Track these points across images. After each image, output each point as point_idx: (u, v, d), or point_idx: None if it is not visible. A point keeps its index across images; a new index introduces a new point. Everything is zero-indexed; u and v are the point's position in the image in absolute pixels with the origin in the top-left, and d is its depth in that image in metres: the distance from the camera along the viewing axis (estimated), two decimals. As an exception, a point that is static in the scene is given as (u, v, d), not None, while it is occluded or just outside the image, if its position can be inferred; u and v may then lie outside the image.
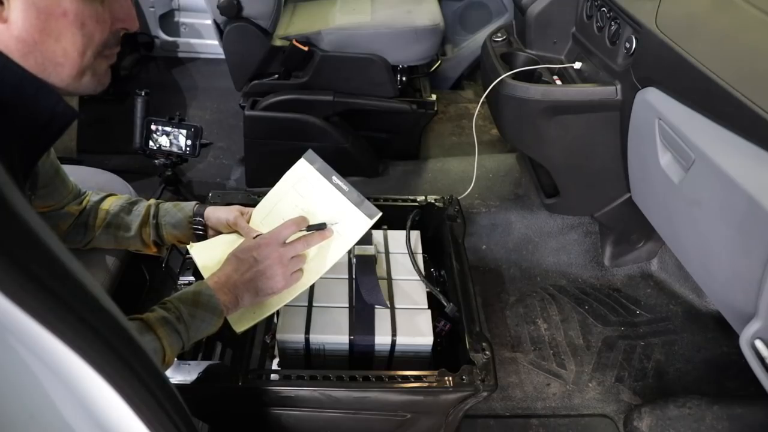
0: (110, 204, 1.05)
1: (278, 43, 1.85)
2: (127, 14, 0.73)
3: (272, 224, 0.97)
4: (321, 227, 0.95)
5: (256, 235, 0.95)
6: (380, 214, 0.96)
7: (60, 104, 0.69)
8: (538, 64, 1.53)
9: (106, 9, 0.70)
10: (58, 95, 0.69)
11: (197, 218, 1.05)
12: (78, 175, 1.21)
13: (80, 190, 1.05)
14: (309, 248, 0.93)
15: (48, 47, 0.65)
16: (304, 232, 0.94)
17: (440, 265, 1.18)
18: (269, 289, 0.89)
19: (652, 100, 1.13)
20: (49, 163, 0.95)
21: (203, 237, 1.05)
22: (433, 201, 1.22)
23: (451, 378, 0.87)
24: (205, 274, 0.94)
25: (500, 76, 1.41)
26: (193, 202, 1.08)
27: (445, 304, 1.03)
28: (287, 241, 0.92)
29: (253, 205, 1.21)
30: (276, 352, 1.04)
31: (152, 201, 1.07)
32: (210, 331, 0.83)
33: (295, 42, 1.80)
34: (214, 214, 1.05)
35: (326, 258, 0.96)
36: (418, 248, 1.14)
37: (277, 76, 1.91)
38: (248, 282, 0.87)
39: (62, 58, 0.67)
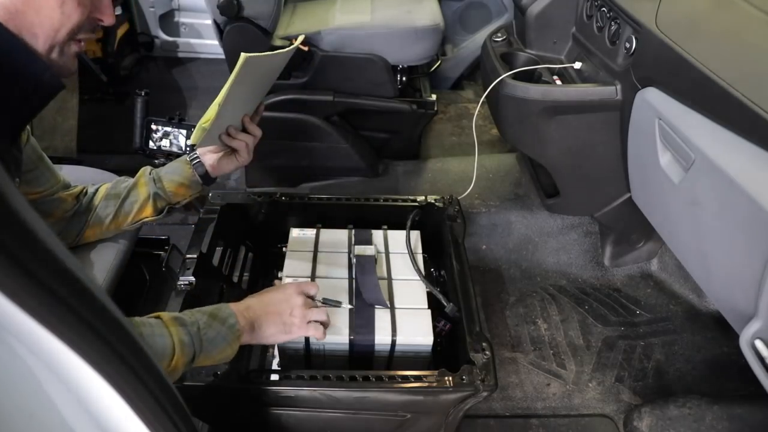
0: (107, 185, 1.10)
1: (278, 43, 1.85)
2: (106, 7, 0.78)
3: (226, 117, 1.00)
4: (336, 304, 1.00)
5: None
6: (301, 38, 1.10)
7: (46, 73, 0.73)
8: (538, 64, 1.53)
9: None
10: (45, 64, 0.73)
11: (192, 154, 1.10)
12: (78, 175, 1.21)
13: (69, 182, 1.07)
14: (327, 319, 0.95)
15: (27, 17, 0.70)
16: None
17: (440, 265, 1.18)
18: (287, 326, 0.89)
19: (652, 100, 1.13)
20: (30, 147, 0.96)
21: (204, 172, 1.09)
22: (433, 201, 1.22)
23: (451, 378, 0.87)
24: None
25: (500, 76, 1.41)
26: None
27: (445, 304, 1.03)
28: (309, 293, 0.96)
29: (253, 205, 1.21)
30: (276, 352, 1.04)
31: (147, 167, 1.12)
32: (224, 350, 0.82)
33: (293, 41, 1.80)
34: (205, 148, 1.09)
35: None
36: (418, 248, 1.14)
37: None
38: (269, 314, 0.88)
39: (38, 29, 0.71)
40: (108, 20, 0.79)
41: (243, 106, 1.06)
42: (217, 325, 0.82)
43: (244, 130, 1.08)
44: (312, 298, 0.96)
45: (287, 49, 1.05)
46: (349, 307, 1.01)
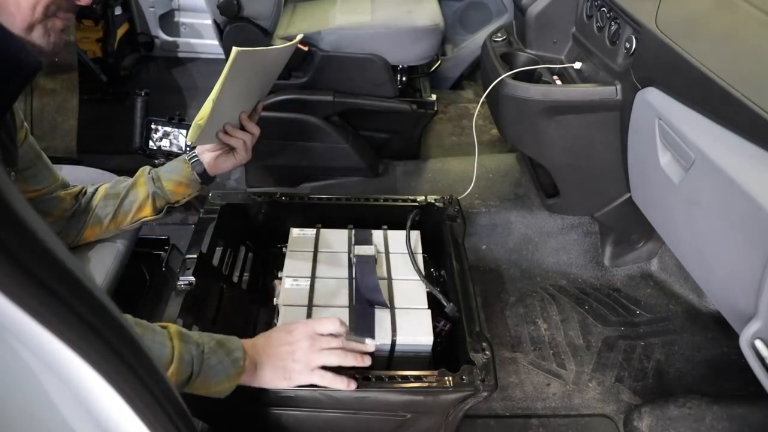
0: (106, 185, 1.09)
1: (278, 43, 1.85)
2: None
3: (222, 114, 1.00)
4: (360, 340, 0.87)
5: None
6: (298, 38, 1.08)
7: (23, 51, 0.72)
8: (538, 64, 1.53)
9: None
10: (21, 43, 0.72)
11: (191, 152, 1.09)
12: (78, 175, 1.22)
13: (68, 182, 1.07)
14: (342, 363, 0.84)
15: None
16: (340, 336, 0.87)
17: (440, 265, 1.18)
18: (288, 372, 0.83)
19: (652, 100, 1.13)
20: (28, 145, 0.97)
21: (203, 170, 1.08)
22: (433, 201, 1.22)
23: (451, 378, 0.87)
24: None
25: (500, 76, 1.41)
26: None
27: (445, 304, 1.03)
28: (324, 333, 0.86)
29: (253, 205, 1.21)
30: (276, 352, 1.03)
31: (146, 167, 1.11)
32: (222, 383, 0.78)
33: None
34: (203, 147, 1.09)
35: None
36: (418, 248, 1.14)
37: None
38: (272, 356, 0.83)
39: (14, 9, 0.71)
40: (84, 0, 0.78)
41: (240, 104, 1.06)
42: (222, 354, 0.79)
43: (243, 128, 1.07)
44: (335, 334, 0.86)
45: (283, 45, 1.05)
46: (375, 343, 0.88)
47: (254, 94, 1.10)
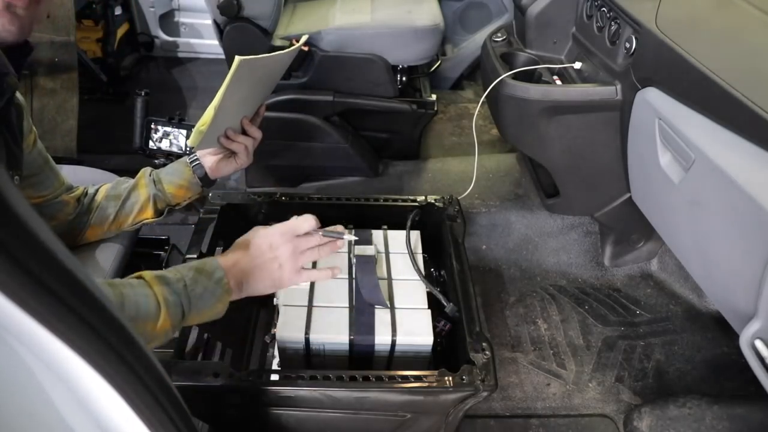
0: (107, 185, 1.09)
1: (278, 43, 1.85)
2: None
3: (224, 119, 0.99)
4: (336, 235, 0.92)
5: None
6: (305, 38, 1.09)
7: None
8: (538, 64, 1.53)
9: None
10: None
11: (192, 156, 1.09)
12: (78, 175, 1.22)
13: (71, 184, 1.07)
14: (320, 257, 0.90)
15: None
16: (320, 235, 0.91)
17: (440, 265, 1.18)
18: (276, 281, 0.87)
19: (652, 100, 1.13)
20: (37, 152, 0.96)
21: (204, 174, 1.08)
22: (433, 201, 1.22)
23: (451, 378, 0.87)
24: None
25: (500, 76, 1.41)
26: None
27: (445, 304, 1.03)
28: (301, 234, 0.89)
29: (253, 205, 1.21)
30: (276, 352, 1.03)
31: (148, 168, 1.11)
32: (214, 306, 0.80)
33: (294, 42, 1.80)
34: (204, 151, 1.08)
35: None
36: (418, 248, 1.14)
37: (276, 76, 1.91)
38: (256, 268, 0.85)
39: None
40: None
41: (242, 109, 1.06)
42: (203, 280, 0.79)
43: (244, 132, 1.08)
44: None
45: (285, 51, 1.05)
46: (354, 238, 0.94)
47: (256, 99, 1.10)
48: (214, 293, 0.80)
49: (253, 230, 0.91)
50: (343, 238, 0.92)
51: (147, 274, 0.77)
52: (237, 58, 0.89)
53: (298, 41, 1.79)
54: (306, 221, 0.89)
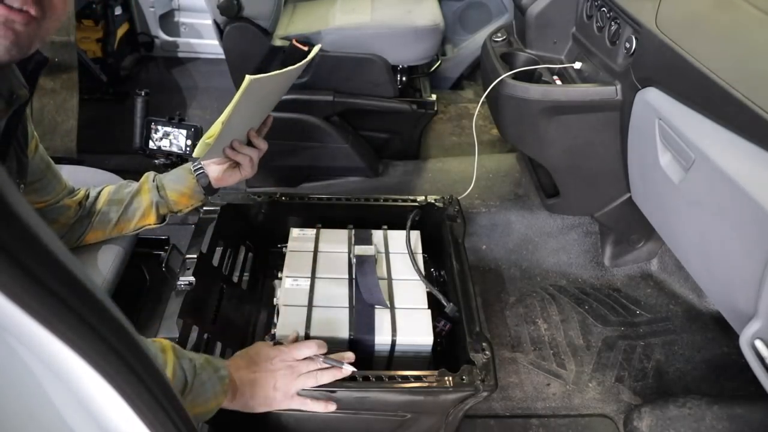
0: (110, 188, 1.09)
1: (278, 43, 1.85)
2: None
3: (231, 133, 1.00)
4: (338, 364, 0.88)
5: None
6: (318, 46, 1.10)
7: None
8: (538, 64, 1.53)
9: None
10: None
11: (196, 164, 1.08)
12: (78, 175, 1.22)
13: (73, 187, 1.07)
14: (318, 384, 0.86)
15: None
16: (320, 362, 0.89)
17: (440, 265, 1.18)
18: (269, 400, 0.85)
19: (652, 100, 1.13)
20: (38, 157, 0.96)
21: (208, 183, 1.08)
22: (433, 201, 1.22)
23: (451, 378, 0.87)
24: None
25: (500, 76, 1.41)
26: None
27: (445, 304, 1.03)
28: (301, 359, 0.88)
29: (253, 205, 1.21)
30: (276, 352, 1.03)
31: (151, 173, 1.11)
32: (209, 402, 0.79)
33: (295, 42, 1.80)
34: (209, 162, 1.08)
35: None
36: (418, 248, 1.14)
37: (277, 76, 1.91)
38: (253, 383, 0.84)
39: None
40: None
41: (248, 122, 1.05)
42: (210, 371, 0.80)
43: (250, 143, 1.07)
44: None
45: (295, 66, 1.04)
46: (352, 369, 0.88)
47: (263, 112, 1.09)
48: (215, 387, 0.80)
49: (256, 345, 0.91)
50: (343, 367, 0.88)
51: (166, 342, 0.78)
52: (247, 78, 0.88)
53: (298, 42, 1.79)
54: (307, 348, 0.88)
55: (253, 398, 0.84)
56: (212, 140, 0.94)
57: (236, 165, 1.08)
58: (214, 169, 1.08)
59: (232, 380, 0.83)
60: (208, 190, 1.10)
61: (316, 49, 1.13)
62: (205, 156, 0.99)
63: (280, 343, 0.92)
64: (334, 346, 0.97)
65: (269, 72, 0.94)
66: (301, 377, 0.85)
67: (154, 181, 1.08)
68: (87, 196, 1.07)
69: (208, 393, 0.79)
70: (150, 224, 1.08)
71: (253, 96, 0.95)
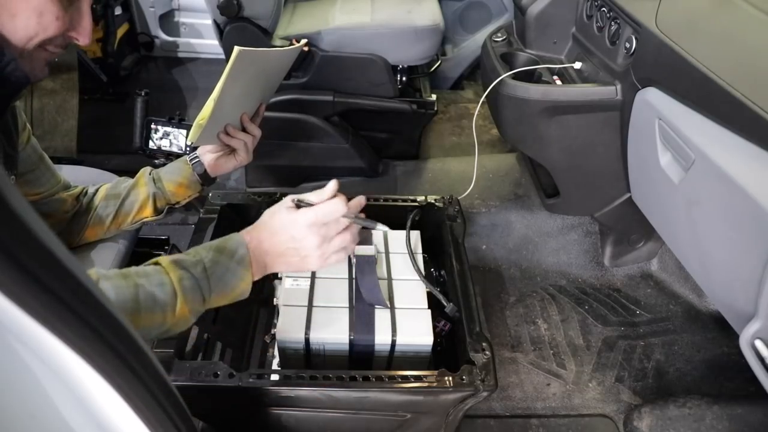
0: (107, 185, 1.09)
1: (278, 43, 1.85)
2: (84, 29, 0.77)
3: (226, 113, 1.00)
4: (370, 224, 0.87)
5: (298, 202, 0.84)
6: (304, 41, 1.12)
7: (11, 65, 0.71)
8: (538, 64, 1.53)
9: (68, 14, 0.74)
10: (11, 57, 0.71)
11: (192, 153, 1.09)
12: (78, 175, 1.22)
13: (69, 182, 1.07)
14: (346, 244, 0.84)
15: (1, 20, 0.69)
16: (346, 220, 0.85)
17: (440, 265, 1.18)
18: (301, 267, 0.83)
19: (652, 100, 1.13)
20: (30, 148, 0.96)
21: (203, 171, 1.08)
22: (433, 201, 1.22)
23: (451, 378, 0.87)
24: None
25: (500, 76, 1.41)
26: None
27: (445, 304, 1.03)
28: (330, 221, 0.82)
29: (253, 205, 1.21)
30: (276, 352, 1.04)
31: (147, 168, 1.11)
32: (237, 287, 0.77)
33: (294, 42, 1.80)
34: (204, 148, 1.08)
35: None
36: (418, 248, 1.14)
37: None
38: (279, 255, 0.81)
39: (10, 34, 0.70)
40: (83, 40, 0.78)
41: (241, 105, 1.06)
42: (225, 260, 0.76)
43: (244, 129, 1.08)
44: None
45: (285, 48, 1.05)
46: (386, 229, 0.90)
47: (256, 97, 1.10)
48: (236, 273, 0.76)
49: (279, 210, 0.83)
50: (376, 228, 0.87)
51: (164, 259, 0.74)
52: (236, 48, 0.89)
53: (298, 42, 1.79)
54: (336, 208, 0.81)
55: (284, 266, 0.82)
56: (204, 121, 0.95)
57: (231, 152, 1.09)
58: (209, 157, 1.09)
59: (257, 255, 0.79)
60: (205, 179, 1.10)
61: (303, 41, 1.19)
62: (200, 140, 0.99)
63: (305, 204, 0.84)
64: (334, 346, 0.97)
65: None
66: (333, 240, 0.81)
67: (150, 174, 1.09)
68: (85, 193, 1.08)
69: (232, 281, 0.76)
70: (147, 217, 1.08)
71: (243, 71, 0.95)
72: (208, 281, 0.75)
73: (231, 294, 0.77)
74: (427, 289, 1.05)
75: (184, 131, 1.62)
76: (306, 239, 0.80)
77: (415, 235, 1.16)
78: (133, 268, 0.73)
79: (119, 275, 0.71)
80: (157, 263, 0.75)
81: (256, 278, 0.80)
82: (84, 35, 0.77)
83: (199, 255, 0.76)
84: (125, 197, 1.06)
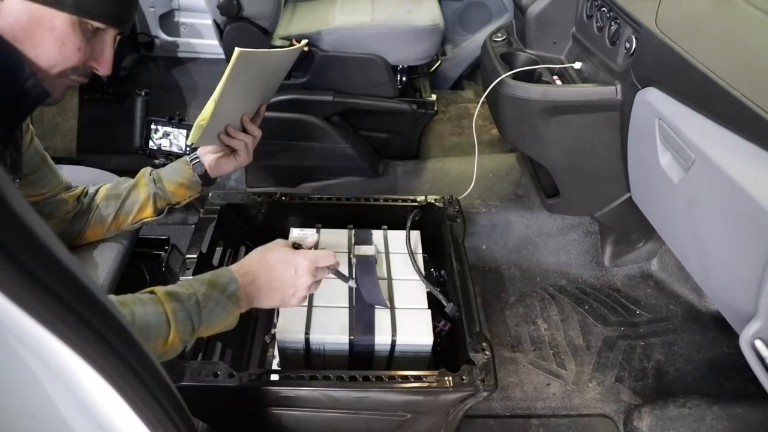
0: (108, 185, 1.10)
1: (278, 43, 1.85)
2: (105, 60, 0.80)
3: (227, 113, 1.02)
4: (345, 279, 0.99)
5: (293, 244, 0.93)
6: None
7: (30, 80, 0.74)
8: (538, 64, 1.53)
9: (89, 45, 0.77)
10: (31, 72, 0.73)
11: (192, 154, 1.10)
12: (78, 175, 1.22)
13: (70, 183, 1.07)
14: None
15: (24, 48, 0.72)
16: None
17: (440, 265, 1.18)
18: (285, 303, 0.87)
19: (652, 100, 1.13)
20: (33, 150, 0.97)
21: (204, 171, 1.09)
22: (433, 201, 1.22)
23: (451, 378, 0.87)
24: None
25: (500, 76, 1.41)
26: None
27: (445, 304, 1.03)
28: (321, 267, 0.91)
29: (253, 205, 1.21)
30: (276, 352, 1.04)
31: (148, 168, 1.12)
32: (225, 320, 0.81)
33: (295, 42, 1.80)
34: (204, 149, 1.09)
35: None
36: (418, 248, 1.14)
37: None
38: (272, 290, 0.85)
39: (33, 57, 0.73)
40: (104, 71, 0.81)
41: (242, 105, 1.06)
42: (216, 295, 0.80)
43: (244, 130, 1.08)
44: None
45: (285, 49, 1.05)
46: (354, 285, 1.01)
47: (257, 97, 1.10)
48: (226, 307, 0.80)
49: (277, 247, 0.89)
50: (348, 283, 1.01)
51: (159, 290, 0.77)
52: (237, 50, 0.90)
53: (298, 42, 1.79)
54: (329, 258, 0.90)
55: (270, 301, 0.86)
56: (205, 122, 0.95)
57: (231, 153, 1.09)
58: (209, 158, 1.09)
59: (248, 290, 0.83)
60: (205, 179, 1.10)
61: (304, 42, 1.19)
62: (200, 141, 1.00)
63: (298, 246, 0.93)
64: (334, 346, 0.97)
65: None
66: (315, 283, 0.89)
67: (150, 174, 1.09)
68: (86, 194, 1.08)
69: (220, 315, 0.80)
70: (148, 217, 1.08)
71: (244, 72, 0.96)
72: (200, 314, 0.78)
73: (219, 326, 0.81)
74: (427, 289, 1.05)
75: (184, 131, 1.62)
76: (303, 277, 0.86)
77: (415, 235, 1.16)
78: (130, 296, 0.76)
79: (117, 302, 0.73)
80: (152, 292, 0.77)
81: (243, 311, 0.84)
82: (105, 66, 0.80)
83: (192, 288, 0.79)
84: (126, 197, 1.06)
